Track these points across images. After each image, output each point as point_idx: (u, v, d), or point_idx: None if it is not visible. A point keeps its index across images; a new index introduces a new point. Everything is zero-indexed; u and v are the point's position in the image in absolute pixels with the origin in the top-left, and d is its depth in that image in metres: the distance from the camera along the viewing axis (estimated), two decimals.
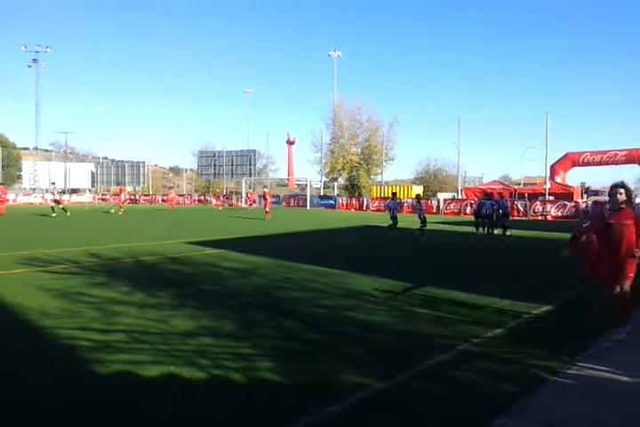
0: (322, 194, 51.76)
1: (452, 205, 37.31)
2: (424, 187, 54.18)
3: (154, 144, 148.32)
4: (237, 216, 31.30)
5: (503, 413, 3.84)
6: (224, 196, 52.18)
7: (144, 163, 63.71)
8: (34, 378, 4.56)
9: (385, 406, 4.00)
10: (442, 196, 44.87)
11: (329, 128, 56.12)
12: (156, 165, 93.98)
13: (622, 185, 6.03)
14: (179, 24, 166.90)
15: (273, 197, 50.75)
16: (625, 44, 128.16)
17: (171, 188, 50.24)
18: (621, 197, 5.91)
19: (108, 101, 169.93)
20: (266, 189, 33.11)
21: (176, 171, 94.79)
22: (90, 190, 63.29)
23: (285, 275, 9.93)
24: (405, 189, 48.54)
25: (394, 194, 22.18)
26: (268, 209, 29.43)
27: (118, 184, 64.13)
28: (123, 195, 39.71)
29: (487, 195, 19.92)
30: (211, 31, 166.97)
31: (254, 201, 46.98)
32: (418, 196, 20.50)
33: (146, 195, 59.43)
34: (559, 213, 32.11)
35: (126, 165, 63.83)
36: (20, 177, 65.72)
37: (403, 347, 5.51)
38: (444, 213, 35.96)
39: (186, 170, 69.37)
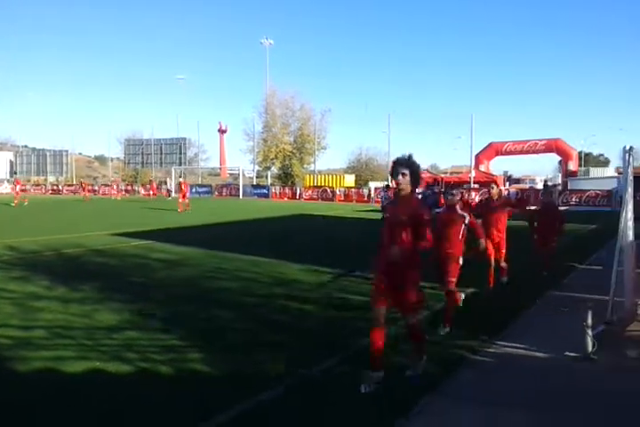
0: (255, 183, 51.36)
1: (381, 194, 38.05)
2: (356, 176, 54.88)
3: (78, 132, 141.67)
4: (158, 208, 30.51)
5: (428, 392, 4.00)
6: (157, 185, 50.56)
7: (67, 151, 60.74)
8: None
9: (312, 393, 4.06)
10: (373, 184, 45.71)
11: (261, 117, 55.66)
12: (80, 154, 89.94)
13: (407, 162, 4.04)
14: (106, 10, 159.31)
15: (202, 186, 49.97)
16: (547, 33, 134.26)
17: (82, 178, 48.51)
18: (404, 179, 4.01)
19: (29, 87, 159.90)
20: (182, 179, 31.03)
21: (102, 160, 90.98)
22: (8, 181, 59.66)
23: (217, 265, 9.82)
24: (338, 178, 48.98)
25: (387, 186, 20.42)
26: (183, 200, 26.02)
27: (39, 174, 60.98)
28: (18, 186, 36.38)
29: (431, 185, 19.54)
30: (141, 17, 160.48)
31: (168, 191, 43.98)
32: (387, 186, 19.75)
33: (69, 185, 56.74)
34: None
35: (48, 153, 60.57)
36: None
37: (333, 333, 5.60)
38: (375, 202, 36.64)
39: (112, 159, 66.82)
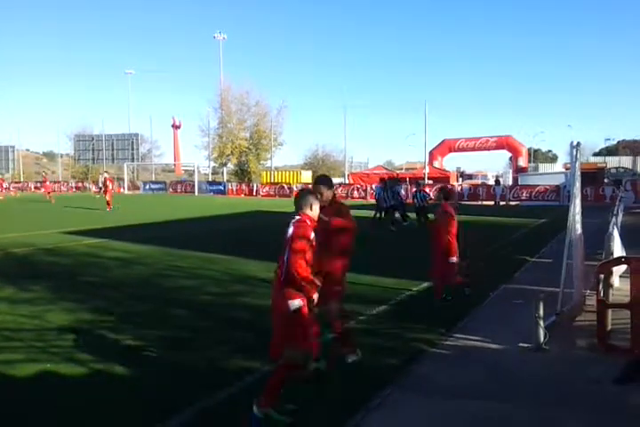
0: (211, 180, 50.70)
1: (339, 190, 38.26)
2: (312, 172, 54.95)
3: (25, 127, 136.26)
4: (81, 206, 29.71)
5: (386, 385, 4.04)
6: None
7: (14, 147, 58.50)
8: None
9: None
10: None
11: (216, 112, 54.96)
12: (27, 150, 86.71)
13: None
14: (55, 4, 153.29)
15: (156, 183, 49.00)
16: (495, 29, 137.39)
17: (44, 174, 45.30)
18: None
19: None
20: (106, 175, 27.84)
21: (50, 156, 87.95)
22: None
23: (172, 263, 9.64)
24: (295, 174, 48.92)
25: (381, 179, 19.13)
26: (109, 198, 23.80)
27: None
28: None
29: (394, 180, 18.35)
30: (91, 7, 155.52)
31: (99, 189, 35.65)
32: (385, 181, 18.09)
33: (17, 182, 54.60)
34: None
35: None
36: None
37: None
38: None
39: (61, 155, 64.69)
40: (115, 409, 3.70)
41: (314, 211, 3.75)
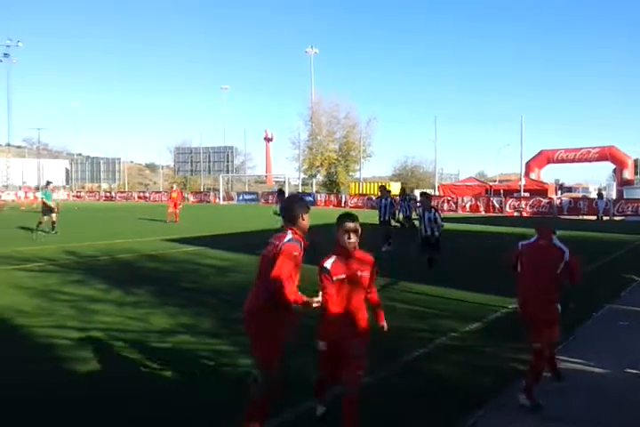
0: (300, 191, 51.69)
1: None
2: (402, 184, 54.47)
3: (130, 140, 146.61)
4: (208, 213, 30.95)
5: (480, 406, 3.92)
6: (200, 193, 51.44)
7: (119, 159, 62.87)
8: (10, 377, 4.49)
9: (367, 402, 4.03)
10: (418, 192, 45.28)
11: (307, 125, 56.14)
12: (132, 162, 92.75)
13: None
14: (155, 21, 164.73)
15: (249, 194, 50.60)
16: (605, 39, 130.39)
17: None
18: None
19: (83, 97, 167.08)
20: (175, 186, 27.12)
21: (152, 167, 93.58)
22: (64, 187, 62.16)
23: None
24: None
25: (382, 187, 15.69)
26: (174, 210, 22.63)
27: (93, 181, 63.21)
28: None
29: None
30: (188, 27, 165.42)
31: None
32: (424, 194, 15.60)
33: (122, 192, 58.62)
34: (534, 209, 32.62)
35: (101, 161, 62.93)
36: None
37: (381, 341, 5.55)
38: None
39: (162, 167, 68.66)
40: (216, 410, 3.87)
41: (305, 221, 3.53)
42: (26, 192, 37.50)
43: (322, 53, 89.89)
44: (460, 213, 32.28)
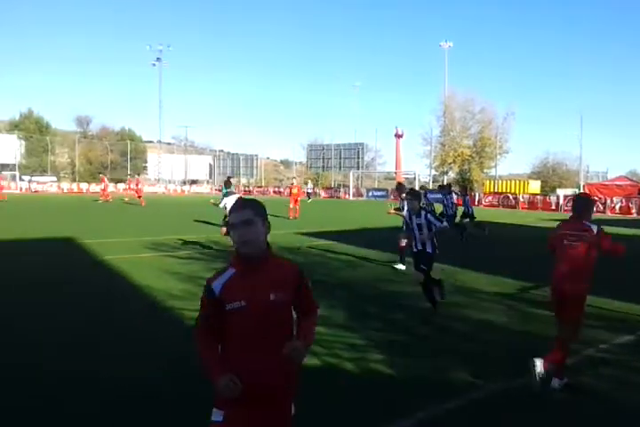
0: (431, 188, 50.69)
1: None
2: (541, 182, 51.17)
3: (266, 138, 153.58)
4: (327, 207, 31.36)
5: (634, 421, 3.59)
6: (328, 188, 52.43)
7: (257, 156, 66.21)
8: (159, 359, 4.93)
9: (501, 409, 3.87)
10: (561, 192, 42.10)
11: (439, 120, 54.79)
12: (268, 158, 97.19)
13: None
14: (290, 21, 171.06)
15: (378, 190, 50.65)
16: None
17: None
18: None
19: (224, 97, 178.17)
20: (294, 182, 26.32)
21: (286, 164, 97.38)
22: (208, 182, 66.92)
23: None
24: (522, 184, 46.11)
25: (449, 185, 17.37)
26: (294, 205, 22.37)
27: (233, 176, 67.33)
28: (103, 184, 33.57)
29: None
30: (322, 26, 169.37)
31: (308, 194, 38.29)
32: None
33: (259, 186, 61.77)
34: None
35: (241, 157, 66.74)
36: (145, 168, 70.74)
37: (518, 348, 5.28)
38: (564, 211, 33.77)
39: (296, 163, 71.19)
40: (339, 404, 3.94)
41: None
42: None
43: (456, 47, 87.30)
44: (609, 215, 29.61)
